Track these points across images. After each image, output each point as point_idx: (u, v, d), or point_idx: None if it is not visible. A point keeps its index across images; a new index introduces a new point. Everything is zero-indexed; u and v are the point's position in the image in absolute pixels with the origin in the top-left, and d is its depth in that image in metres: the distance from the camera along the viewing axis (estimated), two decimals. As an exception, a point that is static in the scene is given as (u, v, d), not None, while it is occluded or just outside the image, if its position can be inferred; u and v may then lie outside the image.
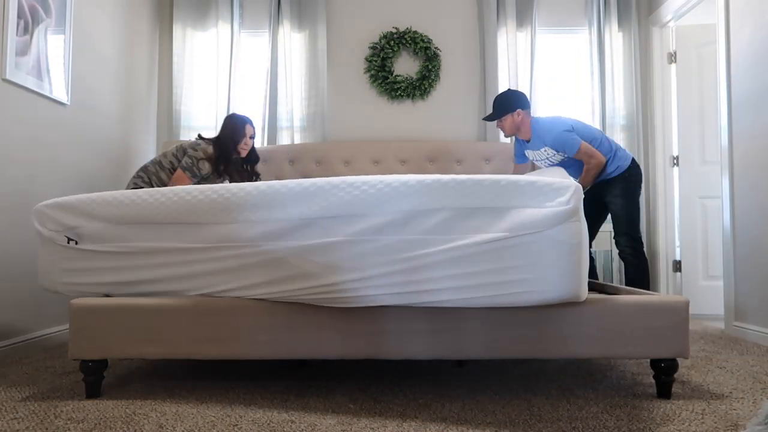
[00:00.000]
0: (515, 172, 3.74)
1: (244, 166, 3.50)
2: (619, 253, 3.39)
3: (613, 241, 3.48)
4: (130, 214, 2.08)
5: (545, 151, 3.38)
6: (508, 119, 3.40)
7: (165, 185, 3.21)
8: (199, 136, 3.43)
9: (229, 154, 3.35)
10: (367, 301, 1.89)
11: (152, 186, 3.19)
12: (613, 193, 3.34)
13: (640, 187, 3.39)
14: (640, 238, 3.36)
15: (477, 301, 1.85)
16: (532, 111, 4.33)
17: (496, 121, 3.47)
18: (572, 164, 3.36)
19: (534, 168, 3.73)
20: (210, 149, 3.31)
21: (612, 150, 3.36)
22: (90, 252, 2.11)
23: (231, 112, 3.78)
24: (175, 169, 3.29)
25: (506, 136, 3.48)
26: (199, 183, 3.28)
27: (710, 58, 4.27)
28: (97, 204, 2.12)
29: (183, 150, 3.33)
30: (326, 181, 1.95)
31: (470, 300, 1.85)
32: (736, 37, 3.38)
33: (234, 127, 3.39)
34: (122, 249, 2.08)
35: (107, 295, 2.12)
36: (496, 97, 3.44)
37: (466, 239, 1.82)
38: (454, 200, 1.84)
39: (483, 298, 1.84)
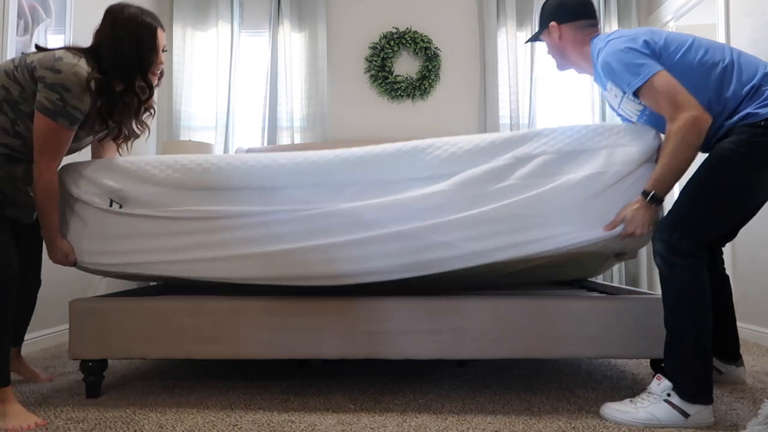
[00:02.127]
0: None
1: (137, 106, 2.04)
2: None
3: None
4: (195, 179, 1.94)
5: (611, 92, 1.97)
6: (546, 39, 2.13)
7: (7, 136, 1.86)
8: (38, 47, 1.97)
9: (132, 83, 1.96)
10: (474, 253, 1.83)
11: None
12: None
13: (753, 170, 1.73)
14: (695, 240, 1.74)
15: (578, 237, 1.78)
16: (531, 112, 4.33)
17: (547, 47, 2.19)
18: (662, 121, 1.84)
19: None
20: (84, 71, 1.86)
21: (744, 85, 1.77)
22: (137, 217, 1.94)
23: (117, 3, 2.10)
24: (12, 102, 1.86)
25: (559, 69, 2.17)
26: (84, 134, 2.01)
27: (710, 58, 4.26)
28: (152, 167, 1.97)
29: (31, 71, 1.85)
30: (414, 144, 1.95)
31: (576, 236, 1.78)
32: (736, 37, 3.38)
33: (138, 33, 1.96)
34: (182, 215, 1.92)
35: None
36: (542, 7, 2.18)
37: (563, 178, 1.79)
38: (551, 146, 1.83)
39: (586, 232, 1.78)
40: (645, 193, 1.78)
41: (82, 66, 1.86)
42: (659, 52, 1.81)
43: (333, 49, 4.47)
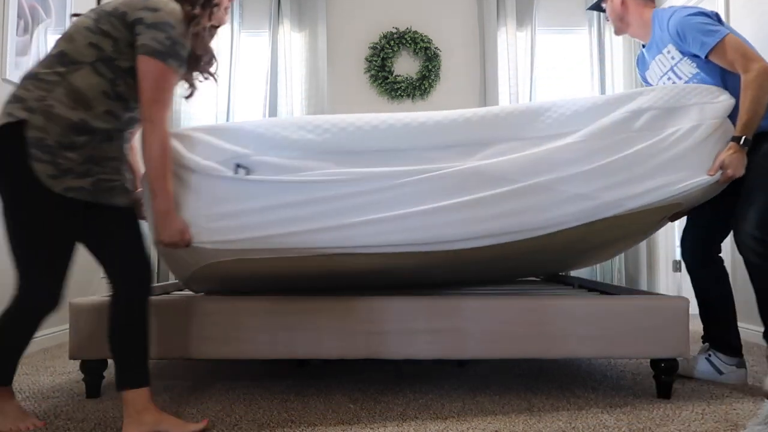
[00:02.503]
0: None
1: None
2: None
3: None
4: (331, 141, 1.81)
5: (667, 54, 2.20)
6: (608, 4, 2.34)
7: (87, 102, 1.58)
8: None
9: (204, 24, 1.74)
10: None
11: (56, 117, 1.55)
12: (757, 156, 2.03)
13: None
14: None
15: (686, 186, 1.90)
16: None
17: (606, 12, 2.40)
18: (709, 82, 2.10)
19: None
20: (177, 5, 1.66)
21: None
22: (270, 184, 1.75)
23: None
24: (107, 60, 1.60)
25: (616, 33, 2.41)
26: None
27: (710, 58, 4.27)
28: (283, 128, 1.82)
29: (121, 17, 1.60)
30: (538, 104, 1.98)
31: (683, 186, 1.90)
32: (736, 37, 3.38)
33: None
34: (319, 178, 1.77)
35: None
36: None
37: (670, 130, 1.92)
38: (655, 102, 1.95)
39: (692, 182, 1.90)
40: (736, 139, 1.95)
41: (172, 6, 1.64)
42: (722, 21, 2.12)
43: (333, 49, 4.46)
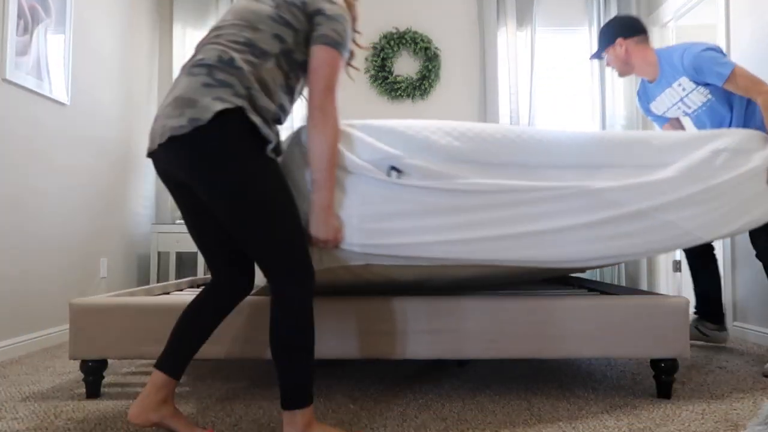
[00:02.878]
0: None
1: None
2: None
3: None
4: (476, 150, 1.79)
5: (678, 87, 2.53)
6: (610, 53, 2.62)
7: (272, 94, 1.57)
8: None
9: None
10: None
11: (260, 106, 1.51)
12: None
13: None
14: None
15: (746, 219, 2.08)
16: (531, 112, 4.33)
17: (605, 60, 2.71)
18: (719, 113, 2.53)
19: (682, 126, 2.88)
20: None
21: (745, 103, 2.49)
22: (418, 189, 1.72)
23: None
24: (288, 53, 1.58)
25: (620, 76, 2.69)
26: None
27: (710, 58, 4.26)
28: (431, 133, 1.78)
29: (302, 7, 1.59)
30: (646, 134, 2.06)
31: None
32: (736, 37, 3.38)
33: None
34: (464, 188, 1.75)
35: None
36: (600, 30, 2.71)
37: (743, 169, 2.09)
38: (729, 144, 2.11)
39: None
40: None
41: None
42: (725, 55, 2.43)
43: (333, 49, 4.46)
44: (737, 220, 2.05)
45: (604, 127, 4.35)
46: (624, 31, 2.59)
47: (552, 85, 4.54)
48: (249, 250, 1.47)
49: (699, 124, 2.66)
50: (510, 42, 4.39)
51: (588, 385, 2.19)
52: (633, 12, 4.40)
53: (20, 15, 2.87)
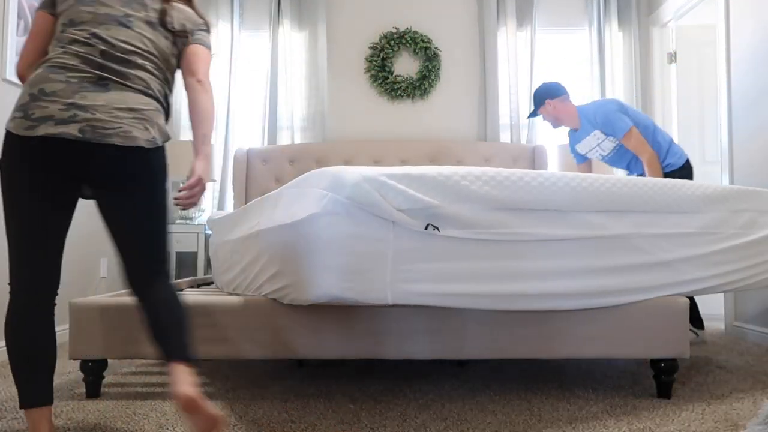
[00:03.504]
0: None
1: None
2: None
3: None
4: (510, 197, 1.76)
5: (594, 136, 3.17)
6: (543, 112, 3.27)
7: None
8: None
9: None
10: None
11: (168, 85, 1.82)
12: None
13: None
14: None
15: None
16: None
17: (541, 117, 3.37)
18: (626, 157, 3.18)
19: (591, 168, 3.46)
20: None
21: (666, 142, 3.13)
22: (458, 240, 1.69)
23: None
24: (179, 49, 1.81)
25: (554, 127, 3.33)
26: None
27: (710, 58, 4.27)
28: (461, 177, 1.72)
29: (183, 29, 1.79)
30: (674, 183, 2.09)
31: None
32: (736, 37, 3.38)
33: None
34: (504, 237, 1.73)
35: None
36: (533, 93, 3.33)
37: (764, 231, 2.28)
38: (757, 205, 2.30)
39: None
40: None
41: None
42: (630, 114, 3.12)
43: (333, 49, 4.46)
44: (757, 277, 2.26)
45: (604, 127, 4.35)
46: (550, 94, 3.25)
47: (552, 85, 4.54)
48: (151, 242, 1.66)
49: (612, 164, 3.29)
50: (510, 42, 4.38)
51: (588, 385, 2.19)
52: (633, 12, 4.40)
53: (20, 15, 2.87)
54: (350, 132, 4.45)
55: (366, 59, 4.45)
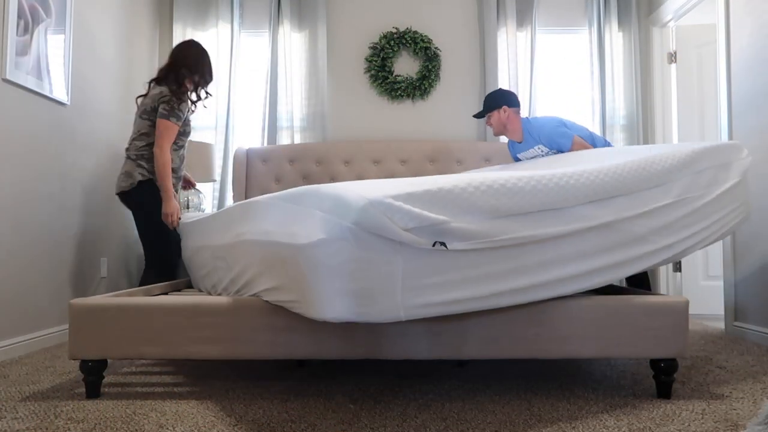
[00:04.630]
0: None
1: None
2: None
3: None
4: (509, 203, 1.78)
5: (538, 149, 3.39)
6: (495, 116, 3.37)
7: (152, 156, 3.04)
8: (155, 81, 3.16)
9: (207, 82, 3.29)
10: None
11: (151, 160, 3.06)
12: None
13: None
14: None
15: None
16: (531, 112, 4.34)
17: (485, 119, 3.46)
18: None
19: None
20: (174, 88, 3.10)
21: (603, 144, 3.40)
22: (464, 253, 1.70)
23: (189, 41, 3.37)
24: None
25: (495, 134, 3.46)
26: (184, 130, 3.15)
27: (710, 58, 4.27)
28: (461, 189, 1.72)
29: (150, 107, 3.07)
30: (646, 158, 2.17)
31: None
32: (736, 37, 3.38)
33: (203, 60, 3.28)
34: (504, 243, 1.75)
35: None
36: (486, 96, 3.46)
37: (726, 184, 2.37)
38: (715, 160, 2.35)
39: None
40: None
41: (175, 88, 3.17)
42: (569, 126, 3.33)
43: (333, 49, 4.46)
44: (719, 232, 2.36)
45: (604, 126, 4.35)
46: (510, 101, 3.38)
47: (552, 85, 4.54)
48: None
49: None
50: (510, 42, 4.38)
51: (588, 385, 2.19)
52: (633, 12, 4.40)
53: (20, 15, 2.87)
54: (350, 132, 4.45)
55: (366, 59, 4.45)
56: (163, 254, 3.08)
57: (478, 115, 3.46)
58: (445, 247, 1.65)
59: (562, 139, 3.26)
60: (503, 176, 1.81)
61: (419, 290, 1.66)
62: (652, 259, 2.10)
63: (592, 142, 3.35)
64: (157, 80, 3.14)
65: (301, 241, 1.63)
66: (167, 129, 2.99)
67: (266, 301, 1.98)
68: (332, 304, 1.61)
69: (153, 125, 3.05)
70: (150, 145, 3.04)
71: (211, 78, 3.30)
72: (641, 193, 2.07)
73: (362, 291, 1.61)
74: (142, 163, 3.04)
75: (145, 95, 3.16)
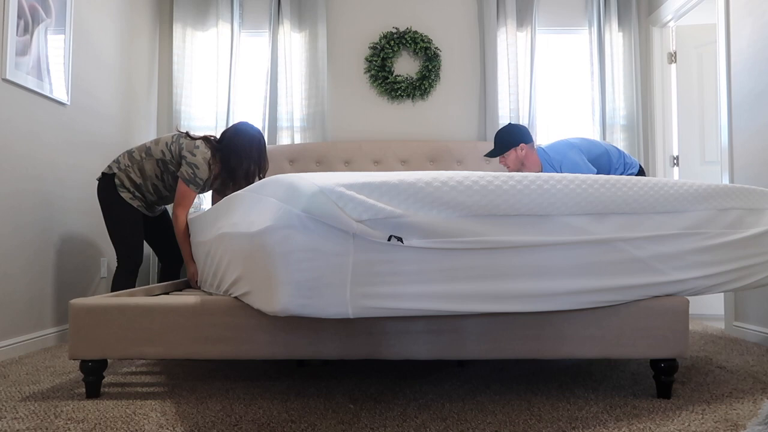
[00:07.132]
0: None
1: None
2: None
3: None
4: (480, 203, 1.67)
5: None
6: (512, 155, 3.28)
7: (145, 176, 2.97)
8: (188, 134, 2.98)
9: (237, 180, 2.97)
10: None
11: (131, 177, 2.96)
12: None
13: None
14: None
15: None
16: (531, 112, 4.34)
17: (500, 160, 3.33)
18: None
19: None
20: (208, 154, 2.91)
21: (621, 158, 3.30)
22: (425, 251, 1.60)
23: (259, 139, 3.03)
24: (165, 162, 2.95)
25: (510, 170, 3.26)
26: (201, 192, 3.08)
27: (710, 58, 4.27)
28: (426, 184, 1.62)
29: (179, 151, 2.92)
30: (657, 180, 2.02)
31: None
32: (736, 37, 3.38)
33: (258, 156, 2.99)
34: (471, 246, 1.64)
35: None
36: (497, 133, 3.32)
37: (750, 231, 2.17)
38: (744, 202, 2.19)
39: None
40: None
41: (204, 153, 2.95)
42: (582, 148, 3.25)
43: (333, 49, 4.47)
44: (746, 280, 2.17)
45: (604, 126, 4.35)
46: (526, 137, 3.28)
47: (552, 85, 4.54)
48: None
49: None
50: (510, 42, 4.39)
51: (588, 385, 2.19)
52: (633, 12, 4.40)
53: (20, 15, 2.87)
54: (350, 132, 4.45)
55: (366, 59, 4.46)
56: (120, 251, 2.98)
57: (491, 154, 3.32)
58: (401, 242, 1.56)
59: (584, 172, 3.12)
60: (478, 173, 1.72)
61: (371, 287, 1.58)
62: (663, 290, 1.96)
63: (608, 158, 3.24)
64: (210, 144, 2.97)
65: (254, 229, 1.60)
66: (184, 197, 2.91)
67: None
68: (279, 295, 1.54)
69: (159, 168, 2.97)
70: (144, 159, 2.97)
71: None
72: (648, 216, 1.94)
73: (307, 282, 1.54)
74: (119, 157, 3.00)
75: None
